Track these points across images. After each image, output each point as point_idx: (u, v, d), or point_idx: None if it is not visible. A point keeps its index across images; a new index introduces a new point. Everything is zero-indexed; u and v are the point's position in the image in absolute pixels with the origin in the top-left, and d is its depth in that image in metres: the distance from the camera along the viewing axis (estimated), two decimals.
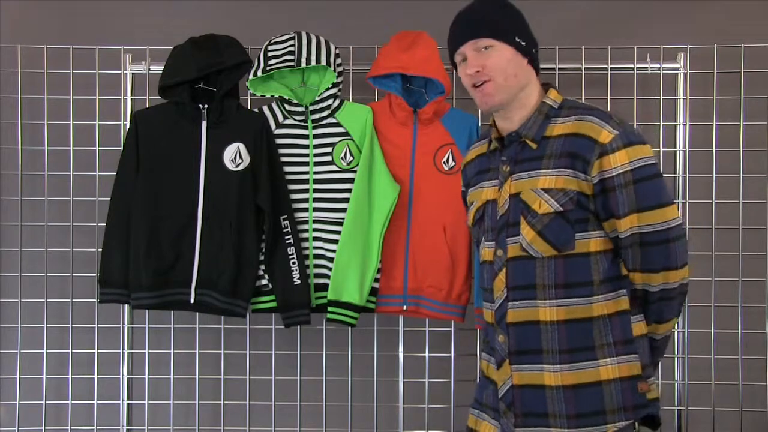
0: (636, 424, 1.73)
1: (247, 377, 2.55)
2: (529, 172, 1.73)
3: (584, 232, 1.69)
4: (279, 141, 2.41)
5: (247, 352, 2.55)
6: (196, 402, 2.56)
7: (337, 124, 2.41)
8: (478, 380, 1.91)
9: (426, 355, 2.54)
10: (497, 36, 1.74)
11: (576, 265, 1.69)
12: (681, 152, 2.53)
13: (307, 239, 2.40)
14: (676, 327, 2.51)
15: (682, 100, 2.53)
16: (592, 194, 1.67)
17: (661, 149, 2.54)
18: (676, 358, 2.52)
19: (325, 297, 2.37)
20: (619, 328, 1.69)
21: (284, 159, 2.40)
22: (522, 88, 1.77)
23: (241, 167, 2.36)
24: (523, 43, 1.76)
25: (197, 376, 2.56)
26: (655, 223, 1.66)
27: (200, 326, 2.56)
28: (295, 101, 2.41)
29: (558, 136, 1.71)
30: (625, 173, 1.65)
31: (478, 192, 1.87)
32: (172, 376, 2.57)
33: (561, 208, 1.67)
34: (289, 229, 2.36)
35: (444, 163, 2.37)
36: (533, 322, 1.71)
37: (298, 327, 2.45)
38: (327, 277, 2.38)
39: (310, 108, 2.40)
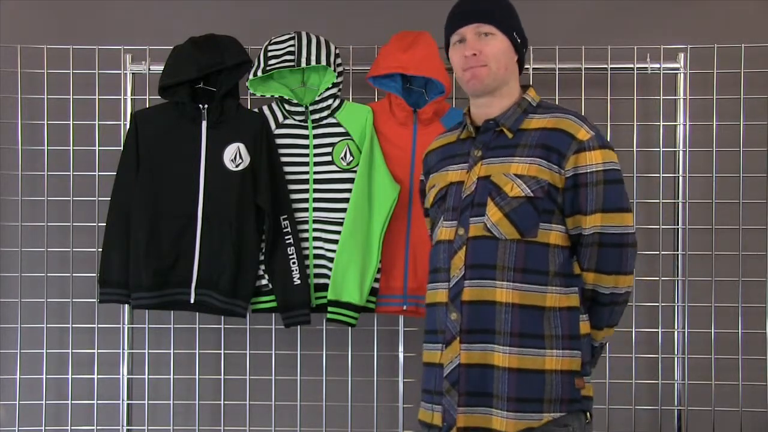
0: (588, 415, 1.77)
1: (247, 377, 2.55)
2: (502, 158, 1.78)
3: (547, 223, 1.75)
4: (279, 141, 2.41)
5: (247, 352, 2.55)
6: (196, 402, 2.56)
7: (337, 124, 2.41)
8: (423, 373, 1.87)
9: None
10: (500, 26, 1.82)
11: (535, 252, 1.74)
12: (681, 152, 2.53)
13: (307, 239, 2.40)
14: (675, 320, 2.51)
15: (682, 100, 2.53)
16: (563, 188, 1.74)
17: (661, 149, 2.54)
18: (676, 358, 2.52)
19: (325, 297, 2.37)
20: (568, 322, 1.74)
21: (284, 159, 2.40)
22: (507, 81, 1.84)
23: (241, 167, 2.36)
24: (519, 41, 1.85)
25: (197, 376, 2.56)
26: (615, 225, 1.73)
27: (200, 326, 2.56)
28: (295, 101, 2.41)
29: (534, 129, 1.79)
30: (597, 172, 1.73)
31: (441, 175, 1.89)
32: (172, 376, 2.57)
33: (531, 194, 1.73)
34: (289, 229, 2.36)
35: None
36: (489, 302, 1.74)
37: (298, 327, 2.45)
38: (327, 277, 2.38)
39: (310, 108, 2.40)
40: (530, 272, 1.73)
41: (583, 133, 1.74)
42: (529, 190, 1.73)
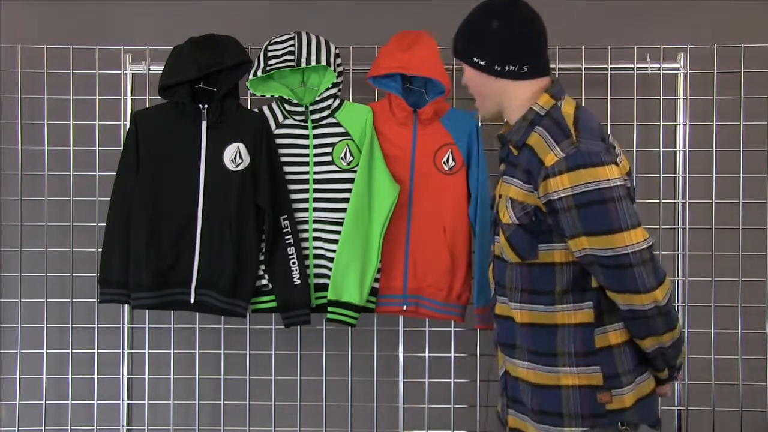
0: (620, 424, 1.71)
1: (247, 377, 2.55)
2: (510, 178, 1.76)
3: (548, 243, 1.70)
4: (279, 141, 2.41)
5: (247, 352, 2.55)
6: (196, 402, 2.56)
7: (337, 124, 2.41)
8: None
9: (426, 355, 2.54)
10: (460, 58, 1.83)
11: (539, 273, 1.71)
12: (681, 152, 2.53)
13: (307, 239, 2.40)
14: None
15: (682, 100, 2.53)
16: (546, 212, 1.68)
17: (661, 149, 2.54)
18: None
19: (325, 297, 2.37)
20: (580, 339, 1.70)
21: (284, 159, 2.40)
22: (500, 101, 1.80)
23: (241, 167, 2.36)
24: (482, 63, 1.77)
25: (197, 376, 2.56)
26: (606, 248, 1.61)
27: (200, 326, 2.56)
28: (295, 101, 2.40)
29: (529, 146, 1.71)
30: (567, 197, 1.62)
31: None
32: (172, 376, 2.57)
33: (517, 221, 1.71)
34: (289, 229, 2.36)
35: (444, 163, 2.37)
36: (510, 318, 1.78)
37: (298, 327, 2.45)
38: (327, 277, 2.38)
39: (310, 108, 2.40)
40: (537, 293, 1.72)
41: (550, 158, 1.63)
42: (515, 218, 1.71)
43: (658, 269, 1.64)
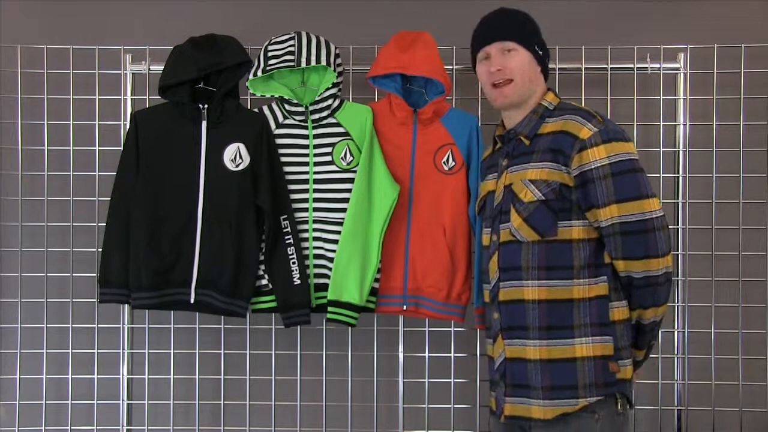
0: (623, 401, 1.85)
1: (247, 377, 2.55)
2: (521, 165, 1.91)
3: (567, 221, 1.84)
4: (279, 141, 2.41)
5: (247, 352, 2.55)
6: (196, 402, 2.56)
7: (337, 124, 2.41)
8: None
9: (426, 355, 2.54)
10: (521, 41, 1.96)
11: (558, 250, 1.85)
12: (681, 152, 2.53)
13: (307, 239, 2.40)
14: (675, 320, 2.51)
15: (682, 100, 2.53)
16: (574, 186, 1.83)
17: (661, 149, 2.54)
18: (676, 358, 2.52)
19: (325, 297, 2.37)
20: (596, 311, 1.84)
21: (284, 159, 2.40)
22: (533, 92, 1.98)
23: (241, 167, 2.36)
24: (540, 53, 1.98)
25: (197, 376, 2.56)
26: (635, 213, 1.79)
27: (200, 326, 2.56)
28: (295, 101, 2.41)
29: (547, 133, 1.90)
30: (603, 166, 1.80)
31: (483, 185, 2.13)
32: (172, 376, 2.57)
33: (543, 197, 1.84)
34: (289, 229, 2.36)
35: (444, 163, 2.37)
36: (519, 301, 1.88)
37: (298, 327, 2.45)
38: (327, 277, 2.38)
39: (310, 108, 2.40)
40: (554, 269, 1.84)
41: (585, 132, 1.82)
42: (540, 194, 1.84)
43: (669, 237, 1.84)
